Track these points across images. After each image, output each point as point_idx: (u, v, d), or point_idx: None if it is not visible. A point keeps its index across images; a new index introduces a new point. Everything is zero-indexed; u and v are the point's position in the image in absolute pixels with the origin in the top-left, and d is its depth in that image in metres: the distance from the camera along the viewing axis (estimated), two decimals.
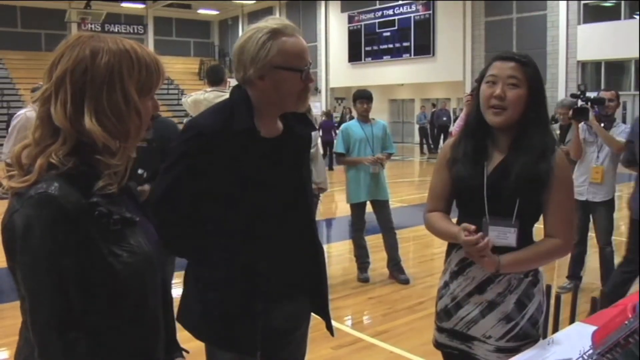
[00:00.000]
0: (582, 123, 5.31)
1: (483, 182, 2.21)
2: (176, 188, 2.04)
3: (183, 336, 2.22)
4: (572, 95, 5.54)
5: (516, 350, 2.21)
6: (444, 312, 2.37)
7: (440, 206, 2.38)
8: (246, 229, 2.06)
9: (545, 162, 2.17)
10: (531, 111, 2.19)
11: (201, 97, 5.87)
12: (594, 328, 1.78)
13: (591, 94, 5.46)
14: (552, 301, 2.91)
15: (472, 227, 2.13)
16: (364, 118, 6.13)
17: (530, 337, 2.26)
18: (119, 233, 1.41)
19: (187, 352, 1.79)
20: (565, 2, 20.19)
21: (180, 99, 28.58)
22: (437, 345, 2.43)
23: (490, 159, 2.25)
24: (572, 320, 2.76)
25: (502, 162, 2.22)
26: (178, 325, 2.17)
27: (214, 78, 6.02)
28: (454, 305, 2.33)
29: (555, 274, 6.12)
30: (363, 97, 6.09)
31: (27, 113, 5.54)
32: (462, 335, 2.32)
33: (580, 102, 5.30)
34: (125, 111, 1.41)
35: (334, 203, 11.55)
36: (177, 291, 1.72)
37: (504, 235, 2.20)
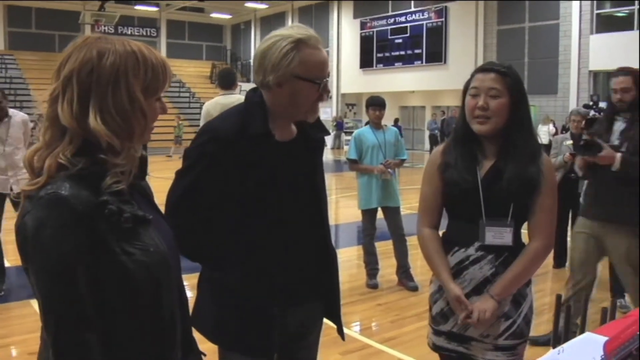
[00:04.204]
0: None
1: (477, 185, 2.29)
2: (192, 191, 2.06)
3: (199, 335, 2.24)
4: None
5: (513, 349, 2.32)
6: (440, 316, 2.42)
7: (434, 219, 2.45)
8: (260, 232, 2.07)
9: (534, 166, 2.27)
10: (515, 118, 2.28)
11: (213, 102, 6.02)
12: (604, 338, 1.78)
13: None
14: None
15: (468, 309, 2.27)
16: (377, 125, 6.14)
17: (524, 335, 2.35)
18: (131, 231, 1.40)
19: (204, 354, 1.80)
20: (578, 11, 20.17)
21: (192, 102, 28.73)
22: (435, 348, 2.48)
23: (481, 165, 2.33)
24: (582, 330, 2.76)
25: (493, 167, 2.31)
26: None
27: (224, 83, 6.16)
28: (449, 308, 2.38)
29: (566, 284, 6.10)
30: (376, 104, 6.10)
31: None
32: (459, 337, 2.37)
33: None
34: (130, 111, 1.41)
35: (343, 209, 11.55)
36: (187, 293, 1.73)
37: (500, 235, 2.29)
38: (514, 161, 2.26)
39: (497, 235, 2.29)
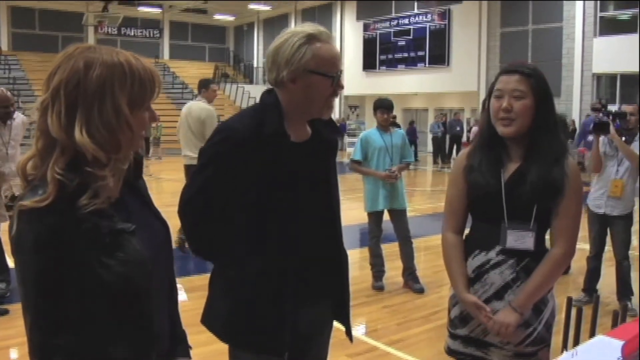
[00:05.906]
0: (603, 137, 5.30)
1: (501, 188, 2.27)
2: (205, 190, 2.07)
3: (206, 337, 2.24)
4: (593, 109, 5.53)
5: (533, 355, 2.29)
6: (459, 319, 2.40)
7: (459, 223, 2.44)
8: (273, 231, 2.08)
9: (559, 169, 2.24)
10: (540, 119, 2.25)
11: (187, 106, 7.35)
12: (617, 341, 1.78)
13: (611, 107, 5.44)
14: (573, 314, 2.90)
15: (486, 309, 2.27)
16: (384, 127, 6.14)
17: (545, 341, 2.32)
18: (111, 243, 1.42)
19: (191, 347, 1.80)
20: (581, 14, 20.16)
21: None
22: (450, 352, 2.46)
23: (506, 167, 2.31)
24: (592, 333, 2.75)
25: (518, 170, 2.28)
26: (202, 328, 2.18)
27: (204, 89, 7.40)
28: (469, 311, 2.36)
29: (570, 287, 6.09)
30: (384, 106, 6.10)
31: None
32: (477, 341, 2.35)
33: (600, 115, 5.29)
34: (116, 124, 1.42)
35: (346, 211, 11.55)
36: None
37: (522, 239, 2.26)
38: (538, 164, 2.24)
39: (519, 239, 2.26)
